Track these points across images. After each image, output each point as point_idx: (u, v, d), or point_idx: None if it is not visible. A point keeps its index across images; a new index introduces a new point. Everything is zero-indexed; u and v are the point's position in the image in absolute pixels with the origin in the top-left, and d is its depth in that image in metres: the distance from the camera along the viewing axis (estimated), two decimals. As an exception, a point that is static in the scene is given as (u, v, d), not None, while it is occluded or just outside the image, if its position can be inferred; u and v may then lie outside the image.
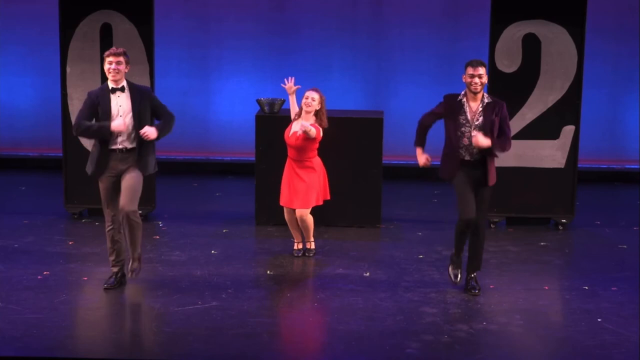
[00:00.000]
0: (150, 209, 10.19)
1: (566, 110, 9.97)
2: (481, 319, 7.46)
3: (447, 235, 9.25)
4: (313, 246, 9.11)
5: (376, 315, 7.48)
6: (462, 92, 7.81)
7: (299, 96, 8.92)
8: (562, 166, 10.07)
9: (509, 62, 9.92)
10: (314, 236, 9.10)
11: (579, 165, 10.15)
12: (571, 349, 6.93)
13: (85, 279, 8.28)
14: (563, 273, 8.82)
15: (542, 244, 9.58)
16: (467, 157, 7.77)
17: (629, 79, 12.39)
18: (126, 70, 7.80)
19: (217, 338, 6.99)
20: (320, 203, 8.98)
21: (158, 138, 7.80)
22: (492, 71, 9.83)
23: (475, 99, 7.76)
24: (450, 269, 8.11)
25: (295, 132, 8.75)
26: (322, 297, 7.98)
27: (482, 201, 7.82)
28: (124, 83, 7.80)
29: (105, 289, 7.94)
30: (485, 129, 7.69)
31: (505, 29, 9.86)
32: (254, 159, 10.09)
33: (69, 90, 10.13)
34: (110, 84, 7.77)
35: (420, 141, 8.02)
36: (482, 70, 7.69)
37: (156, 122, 7.94)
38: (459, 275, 8.05)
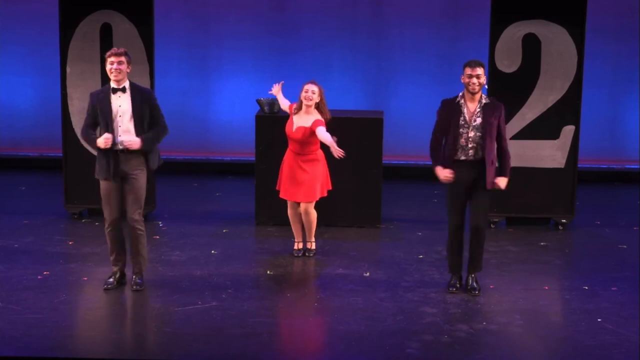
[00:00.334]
0: (150, 209, 10.18)
1: (566, 110, 9.97)
2: (481, 319, 7.46)
3: (447, 235, 9.25)
4: (313, 246, 9.11)
5: (376, 315, 7.48)
6: (460, 94, 7.81)
7: (296, 92, 8.88)
8: (562, 166, 10.07)
9: (509, 62, 9.92)
10: (314, 236, 9.09)
11: (579, 165, 10.15)
12: (571, 349, 6.93)
13: (85, 279, 8.28)
14: (563, 273, 8.82)
15: (542, 244, 9.59)
16: (463, 157, 7.77)
17: (629, 79, 12.39)
18: (128, 70, 7.80)
19: (217, 338, 6.99)
20: (325, 194, 8.98)
21: (142, 149, 7.76)
22: (492, 71, 9.84)
23: (473, 100, 7.76)
24: (450, 281, 8.10)
25: (300, 127, 8.71)
26: (322, 297, 7.98)
27: (482, 205, 7.81)
28: (126, 84, 7.79)
29: (105, 289, 7.94)
30: (482, 130, 7.70)
31: (505, 29, 9.86)
32: (254, 159, 10.09)
33: (69, 90, 10.13)
34: (112, 84, 7.78)
35: (437, 161, 7.85)
36: (480, 71, 7.69)
37: None
38: (454, 288, 8.02)
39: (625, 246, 9.52)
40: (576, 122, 10.00)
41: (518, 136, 9.87)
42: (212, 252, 9.12)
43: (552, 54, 9.89)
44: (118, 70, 7.73)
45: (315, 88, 8.74)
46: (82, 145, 10.11)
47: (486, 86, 7.90)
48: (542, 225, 10.21)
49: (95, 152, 7.90)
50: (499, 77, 9.87)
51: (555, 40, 9.87)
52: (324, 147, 8.81)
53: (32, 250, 9.09)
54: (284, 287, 8.23)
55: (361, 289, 8.11)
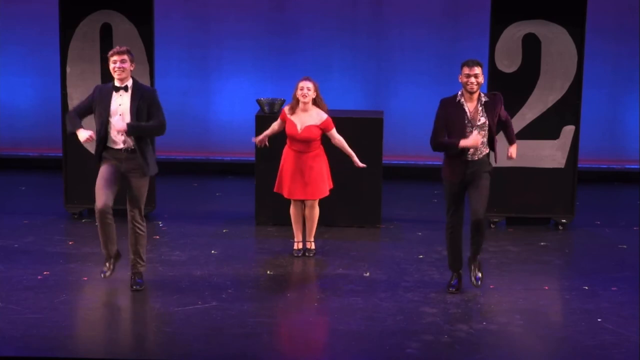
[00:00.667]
0: (150, 209, 10.18)
1: (566, 110, 9.97)
2: (481, 319, 7.46)
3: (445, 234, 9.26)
4: (313, 246, 9.11)
5: (376, 315, 7.48)
6: (459, 93, 7.80)
7: (290, 88, 8.86)
8: (562, 166, 10.07)
9: (509, 62, 9.92)
10: (314, 236, 9.09)
11: (579, 165, 10.15)
12: (571, 349, 6.93)
13: (85, 279, 8.28)
14: (563, 273, 8.82)
15: (542, 244, 9.59)
16: (469, 157, 7.76)
17: (629, 79, 12.39)
18: (131, 68, 7.80)
19: (217, 338, 6.99)
20: (331, 186, 9.00)
21: (129, 133, 7.66)
22: (492, 71, 9.84)
23: (472, 99, 7.76)
24: (451, 280, 8.11)
25: (307, 127, 8.69)
26: (322, 297, 7.98)
27: (481, 198, 7.78)
28: (129, 82, 7.79)
29: (103, 277, 7.93)
30: (489, 128, 7.71)
31: (505, 29, 9.86)
32: (254, 159, 10.09)
33: (69, 90, 10.13)
34: (116, 83, 7.77)
35: (453, 141, 7.72)
36: (478, 70, 7.68)
37: None
38: (453, 288, 8.02)
39: (625, 246, 9.52)
40: (576, 122, 10.00)
41: (518, 136, 9.83)
42: (212, 252, 9.12)
43: (552, 54, 9.89)
44: (121, 69, 7.73)
45: (310, 84, 8.73)
46: (82, 145, 10.09)
47: (485, 85, 7.91)
48: (542, 225, 10.21)
49: (68, 132, 7.86)
50: (499, 77, 9.87)
51: (555, 40, 9.87)
52: (323, 143, 8.86)
53: (32, 250, 9.09)
54: (284, 287, 8.23)
55: (361, 289, 8.11)
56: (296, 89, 8.75)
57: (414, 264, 8.85)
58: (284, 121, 8.86)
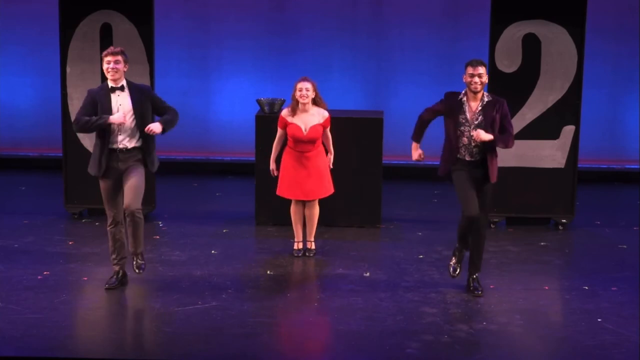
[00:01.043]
0: (150, 209, 10.18)
1: (566, 110, 9.97)
2: (481, 319, 7.46)
3: (447, 235, 9.26)
4: (313, 246, 9.11)
5: (376, 315, 7.48)
6: (463, 92, 7.81)
7: (290, 88, 8.86)
8: (562, 166, 10.07)
9: (509, 62, 9.92)
10: (314, 236, 9.09)
11: (579, 165, 10.15)
12: (571, 349, 6.93)
13: (85, 279, 8.28)
14: (563, 273, 8.81)
15: (542, 244, 9.58)
16: (468, 157, 7.77)
17: (629, 79, 12.39)
18: (125, 69, 7.80)
19: (217, 338, 6.99)
20: (332, 191, 9.03)
21: (164, 132, 7.78)
22: (492, 71, 9.83)
23: (475, 99, 7.76)
24: (452, 261, 8.07)
25: (313, 127, 8.70)
26: (322, 297, 7.98)
27: (483, 200, 7.81)
28: (124, 82, 7.80)
29: (107, 289, 7.94)
30: (485, 128, 7.69)
31: (505, 29, 9.86)
32: (254, 159, 10.09)
33: (69, 90, 10.13)
34: (110, 84, 7.77)
35: (418, 136, 8.05)
36: (482, 70, 7.69)
37: (157, 118, 7.95)
38: (458, 270, 8.02)
39: (625, 246, 9.52)
40: (576, 122, 10.00)
41: (518, 136, 9.85)
42: (212, 252, 9.12)
43: (552, 54, 9.89)
44: (115, 70, 7.73)
45: (308, 85, 8.72)
46: (82, 146, 10.11)
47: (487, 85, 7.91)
48: (542, 225, 10.21)
49: (97, 128, 7.77)
50: (499, 77, 9.87)
51: (555, 40, 9.87)
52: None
53: (32, 250, 9.09)
54: (284, 287, 8.23)
55: (361, 289, 8.11)
56: (295, 90, 8.74)
57: (414, 264, 8.85)
58: (284, 128, 8.84)
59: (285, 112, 8.84)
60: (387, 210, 10.34)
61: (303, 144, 8.77)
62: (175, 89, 12.29)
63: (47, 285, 8.05)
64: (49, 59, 12.14)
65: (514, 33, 9.87)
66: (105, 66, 7.75)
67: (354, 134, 9.95)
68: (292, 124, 8.77)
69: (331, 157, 9.00)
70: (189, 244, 9.34)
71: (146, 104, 7.79)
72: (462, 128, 7.74)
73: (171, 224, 10.09)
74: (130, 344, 7.04)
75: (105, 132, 7.73)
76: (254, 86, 12.45)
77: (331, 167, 9.00)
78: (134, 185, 7.74)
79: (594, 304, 7.79)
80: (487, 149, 7.72)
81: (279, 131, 8.89)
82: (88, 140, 9.97)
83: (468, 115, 7.74)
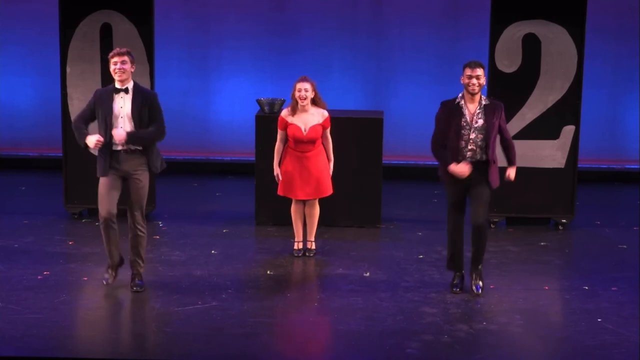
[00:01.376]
0: (150, 209, 10.18)
1: (566, 110, 9.97)
2: (481, 319, 7.46)
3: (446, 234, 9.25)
4: (313, 246, 9.11)
5: (376, 315, 7.48)
6: (460, 95, 7.80)
7: (290, 88, 8.85)
8: (562, 166, 10.07)
9: (509, 62, 9.92)
10: (314, 236, 9.09)
11: (579, 165, 10.15)
12: (571, 349, 6.93)
13: (85, 279, 8.28)
14: (563, 273, 8.82)
15: (542, 244, 9.59)
16: (469, 161, 7.75)
17: (629, 79, 12.40)
18: (132, 70, 7.79)
19: (217, 338, 6.99)
20: (331, 191, 9.03)
21: (128, 142, 7.68)
22: (492, 71, 9.84)
23: (473, 101, 7.75)
24: (453, 280, 8.10)
25: (313, 127, 8.70)
26: (322, 297, 7.98)
27: (482, 202, 7.80)
28: (130, 85, 7.77)
29: (106, 284, 7.93)
30: (485, 131, 7.69)
31: (505, 29, 9.86)
32: (254, 159, 10.09)
33: (69, 90, 10.13)
34: (117, 84, 7.76)
35: (447, 159, 7.75)
36: (480, 72, 7.68)
37: None
38: (457, 288, 8.02)
39: (625, 246, 9.52)
40: (576, 122, 10.00)
41: (518, 136, 9.86)
42: (212, 252, 9.12)
43: (552, 54, 9.89)
44: (122, 70, 7.72)
45: (307, 85, 8.72)
46: (85, 149, 10.09)
47: (485, 86, 7.91)
48: (542, 225, 10.21)
49: (81, 145, 7.81)
50: (499, 77, 9.87)
51: (555, 40, 9.87)
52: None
53: (32, 250, 9.09)
54: (284, 287, 8.23)
55: (361, 289, 8.11)
56: (294, 90, 8.74)
57: (414, 264, 8.85)
58: (285, 129, 8.83)
59: (284, 113, 8.84)
60: (387, 210, 10.34)
61: (303, 144, 8.77)
62: (175, 89, 12.30)
63: (47, 285, 8.05)
64: (49, 59, 12.14)
65: (514, 33, 9.87)
66: (112, 67, 7.73)
67: (354, 134, 9.95)
68: (292, 124, 8.77)
69: (331, 165, 8.96)
70: (189, 244, 9.34)
71: (144, 110, 7.77)
72: (462, 132, 7.73)
73: (171, 224, 10.09)
74: (130, 344, 7.04)
75: (105, 134, 7.72)
76: (254, 86, 12.45)
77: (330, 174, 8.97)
78: (135, 196, 7.80)
79: (594, 304, 7.79)
80: (488, 154, 7.72)
81: (280, 133, 8.88)
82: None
83: (467, 118, 7.73)
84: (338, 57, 12.65)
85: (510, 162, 7.97)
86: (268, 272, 8.58)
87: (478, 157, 7.75)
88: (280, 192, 8.98)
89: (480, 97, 7.76)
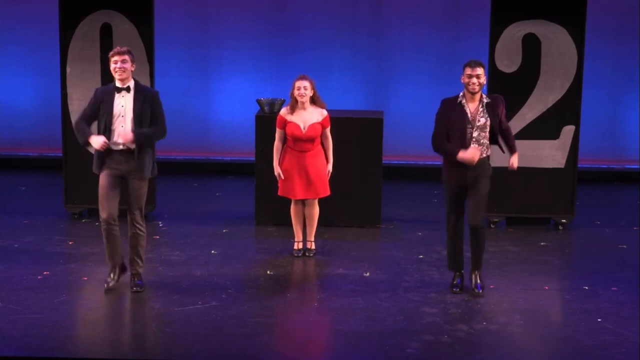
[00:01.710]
0: (150, 209, 10.18)
1: (566, 110, 9.97)
2: (481, 319, 7.46)
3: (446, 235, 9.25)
4: (313, 246, 9.11)
5: (376, 315, 7.48)
6: (461, 94, 7.80)
7: (284, 86, 8.86)
8: (562, 166, 10.07)
9: (509, 62, 9.92)
10: (314, 236, 9.09)
11: (579, 165, 10.15)
12: (571, 349, 6.93)
13: (85, 279, 8.28)
14: (563, 273, 8.82)
15: (542, 244, 9.59)
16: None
17: (629, 79, 12.40)
18: (132, 69, 7.78)
19: (217, 338, 6.99)
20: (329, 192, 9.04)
21: (136, 142, 7.67)
22: (492, 71, 9.84)
23: (473, 100, 7.76)
24: (452, 279, 8.10)
25: (312, 125, 8.70)
26: (322, 297, 7.98)
27: (479, 203, 7.78)
28: (131, 83, 7.77)
29: (106, 289, 7.92)
30: (492, 130, 7.71)
31: (505, 29, 9.86)
32: (254, 159, 10.09)
33: (69, 90, 10.13)
34: (117, 84, 7.76)
35: (453, 148, 7.71)
36: (480, 71, 7.68)
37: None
38: (457, 289, 8.01)
39: (625, 246, 9.52)
40: (576, 122, 10.00)
41: (518, 136, 9.84)
42: (212, 252, 9.12)
43: (552, 54, 9.89)
44: (122, 69, 7.71)
45: (306, 83, 8.72)
46: (85, 146, 10.10)
47: (485, 86, 7.91)
48: (542, 225, 10.21)
49: (81, 143, 7.81)
50: (499, 77, 9.87)
51: (555, 40, 9.87)
52: None
53: (32, 250, 9.09)
54: (284, 287, 8.23)
55: (361, 289, 8.11)
56: (293, 88, 8.75)
57: (414, 264, 8.85)
58: (283, 127, 8.83)
59: (283, 111, 8.85)
60: (387, 210, 10.34)
61: (302, 142, 8.77)
62: (175, 89, 12.30)
63: (47, 285, 8.04)
64: (49, 59, 12.14)
65: (514, 33, 9.87)
66: (112, 66, 7.73)
67: (354, 134, 9.95)
68: (290, 122, 8.78)
69: (329, 166, 8.96)
70: (189, 244, 9.34)
71: (146, 109, 7.76)
72: (464, 130, 7.71)
73: (171, 224, 10.09)
74: (130, 344, 7.04)
75: (105, 132, 7.71)
76: (254, 86, 12.45)
77: (328, 175, 8.95)
78: (134, 195, 7.78)
79: (594, 304, 7.79)
80: (489, 144, 7.78)
81: (278, 132, 8.88)
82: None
83: (469, 116, 7.73)
84: (338, 57, 12.65)
85: (512, 149, 7.98)
86: (268, 272, 8.58)
87: (481, 155, 7.75)
88: (280, 192, 8.98)
89: (481, 95, 7.77)
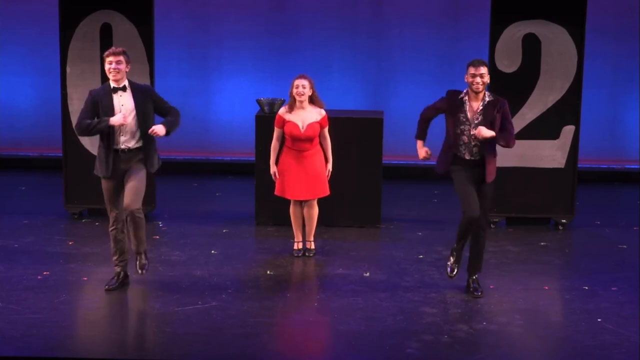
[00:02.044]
0: (150, 209, 10.18)
1: (566, 110, 9.97)
2: (481, 319, 7.46)
3: (447, 235, 9.25)
4: (313, 246, 9.11)
5: (376, 315, 7.48)
6: (465, 91, 7.81)
7: (284, 86, 8.85)
8: (562, 166, 10.07)
9: (509, 62, 9.92)
10: (314, 236, 9.10)
11: (579, 165, 10.15)
12: (571, 349, 6.93)
13: (85, 279, 8.28)
14: (563, 273, 8.82)
15: (542, 244, 9.58)
16: (467, 156, 7.77)
17: (629, 79, 12.39)
18: (127, 70, 7.79)
19: (217, 338, 6.99)
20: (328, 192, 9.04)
21: (168, 134, 7.75)
22: (492, 71, 9.82)
23: (477, 99, 7.76)
24: (450, 261, 8.03)
25: (310, 124, 8.70)
26: (322, 297, 7.98)
27: (483, 200, 7.80)
28: (125, 82, 7.79)
29: (107, 290, 7.93)
30: (485, 127, 7.69)
31: (505, 29, 9.86)
32: (254, 159, 10.09)
33: (69, 90, 10.13)
34: (112, 84, 7.77)
35: (421, 134, 8.08)
36: (483, 70, 7.69)
37: (158, 118, 7.94)
38: (456, 270, 8.00)
39: (625, 246, 9.52)
40: (576, 122, 10.00)
41: (518, 136, 9.82)
42: (212, 252, 9.12)
43: (552, 54, 9.89)
44: (117, 70, 7.72)
45: (305, 82, 8.73)
46: (82, 145, 10.11)
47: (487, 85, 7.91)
48: (542, 225, 10.21)
49: (102, 129, 7.75)
50: (499, 77, 9.87)
51: (555, 40, 9.87)
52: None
53: (32, 250, 9.09)
54: (284, 287, 8.23)
55: (361, 289, 8.11)
56: (292, 87, 8.75)
57: (414, 264, 8.85)
58: (282, 126, 8.83)
59: (282, 111, 8.85)
60: (387, 210, 10.34)
61: (301, 142, 8.77)
62: (175, 89, 12.28)
63: (47, 285, 8.05)
64: (49, 59, 12.14)
65: (514, 33, 9.87)
66: (107, 66, 7.74)
67: (354, 134, 9.95)
68: (289, 121, 8.78)
69: (329, 166, 8.96)
70: (189, 244, 9.34)
71: (148, 105, 7.78)
72: (462, 127, 7.75)
73: (171, 224, 10.09)
74: (130, 344, 7.04)
75: (109, 133, 7.72)
76: (254, 86, 12.45)
77: (328, 175, 8.96)
78: (134, 186, 7.73)
79: (594, 304, 7.79)
80: (487, 148, 7.72)
81: (276, 131, 8.88)
82: (87, 140, 9.99)
83: (469, 114, 7.74)
84: (338, 57, 12.65)
85: (499, 138, 7.71)
86: (268, 272, 8.58)
87: (479, 154, 7.75)
88: (276, 192, 8.98)
89: (485, 94, 7.77)
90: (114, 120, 7.66)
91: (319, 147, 8.88)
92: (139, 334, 7.26)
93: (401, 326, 7.26)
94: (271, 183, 9.18)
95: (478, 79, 7.69)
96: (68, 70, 10.09)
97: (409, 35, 12.56)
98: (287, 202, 9.09)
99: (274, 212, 9.90)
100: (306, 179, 8.81)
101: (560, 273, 8.81)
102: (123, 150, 7.76)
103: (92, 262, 8.70)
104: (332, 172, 8.99)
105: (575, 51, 9.88)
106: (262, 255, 9.12)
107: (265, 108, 10.02)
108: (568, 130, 10.02)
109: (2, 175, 12.35)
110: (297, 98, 8.73)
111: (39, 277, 8.26)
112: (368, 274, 8.52)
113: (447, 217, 10.13)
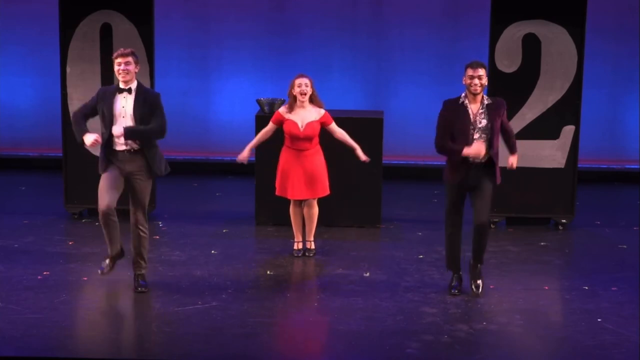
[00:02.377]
0: (150, 209, 10.17)
1: (566, 110, 9.97)
2: (481, 319, 7.46)
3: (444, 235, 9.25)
4: (313, 246, 9.11)
5: (376, 315, 7.48)
6: (463, 94, 7.79)
7: (284, 86, 8.85)
8: (562, 166, 10.07)
9: (509, 62, 9.92)
10: (314, 236, 9.10)
11: (579, 165, 10.15)
12: (571, 349, 6.93)
13: (85, 279, 8.28)
14: (563, 273, 8.82)
15: (542, 244, 9.59)
16: (470, 159, 7.75)
17: (629, 79, 12.40)
18: (136, 70, 7.79)
19: (217, 338, 6.99)
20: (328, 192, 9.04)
21: (126, 137, 7.66)
22: (492, 71, 9.83)
23: (475, 101, 7.75)
24: (450, 280, 8.09)
25: (310, 123, 8.70)
26: (322, 297, 7.98)
27: (485, 202, 7.79)
28: (134, 85, 7.77)
29: (101, 274, 7.90)
30: (488, 131, 7.69)
31: (505, 29, 9.86)
32: (254, 159, 10.09)
33: (69, 90, 10.13)
34: (120, 85, 7.77)
35: (458, 147, 7.69)
36: (482, 72, 7.68)
37: None
38: (456, 290, 8.00)
39: (625, 246, 9.52)
40: (576, 122, 10.00)
41: (518, 136, 9.83)
42: (212, 252, 9.12)
43: (552, 54, 9.89)
44: (126, 71, 7.72)
45: (307, 81, 8.73)
46: (82, 146, 10.09)
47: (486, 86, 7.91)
48: (542, 225, 10.21)
49: (79, 140, 7.80)
50: (499, 77, 9.87)
51: (555, 40, 9.87)
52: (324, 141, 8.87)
53: (32, 250, 9.09)
54: (284, 287, 8.23)
55: (361, 289, 8.11)
56: (292, 86, 8.74)
57: (414, 264, 8.85)
58: (279, 124, 8.82)
59: (282, 109, 8.85)
60: (387, 210, 10.34)
61: (300, 141, 8.77)
62: (175, 89, 12.30)
63: (47, 285, 8.05)
64: (49, 59, 12.14)
65: (514, 33, 9.87)
66: (116, 68, 7.74)
67: (354, 134, 9.90)
68: (288, 120, 8.77)
69: (358, 151, 8.83)
70: (189, 244, 9.34)
71: (146, 110, 7.77)
72: (466, 132, 7.71)
73: (171, 224, 10.09)
74: (130, 344, 7.04)
75: (107, 133, 7.72)
76: (254, 86, 12.45)
77: (366, 159, 8.86)
78: (136, 196, 7.77)
79: (594, 304, 7.79)
80: (492, 150, 7.73)
81: (270, 125, 8.87)
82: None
83: (471, 118, 7.73)
84: (338, 57, 12.65)
85: (512, 149, 8.02)
86: (268, 272, 8.58)
87: (485, 156, 7.75)
88: (277, 192, 8.98)
89: (483, 96, 7.76)
90: (87, 139, 7.65)
91: (318, 146, 8.88)
92: (139, 334, 7.26)
93: (401, 326, 7.26)
94: (271, 183, 9.18)
95: (476, 81, 7.67)
96: (68, 70, 10.09)
97: (409, 35, 12.57)
98: (287, 202, 9.09)
99: (274, 212, 9.91)
100: (305, 179, 8.81)
101: (560, 273, 8.81)
102: (128, 150, 7.76)
103: (92, 262, 8.69)
104: (332, 172, 8.99)
105: (575, 51, 9.88)
106: (262, 255, 9.12)
107: (265, 108, 10.02)
108: (568, 130, 10.02)
109: (2, 175, 12.35)
110: (299, 97, 8.73)
111: (39, 277, 8.26)
112: (368, 274, 8.52)
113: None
